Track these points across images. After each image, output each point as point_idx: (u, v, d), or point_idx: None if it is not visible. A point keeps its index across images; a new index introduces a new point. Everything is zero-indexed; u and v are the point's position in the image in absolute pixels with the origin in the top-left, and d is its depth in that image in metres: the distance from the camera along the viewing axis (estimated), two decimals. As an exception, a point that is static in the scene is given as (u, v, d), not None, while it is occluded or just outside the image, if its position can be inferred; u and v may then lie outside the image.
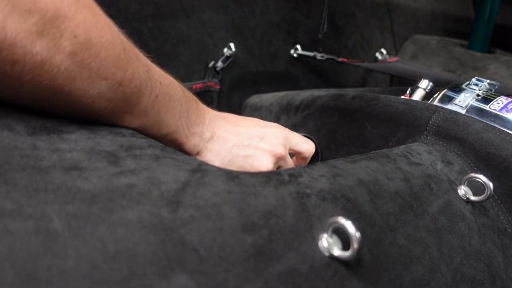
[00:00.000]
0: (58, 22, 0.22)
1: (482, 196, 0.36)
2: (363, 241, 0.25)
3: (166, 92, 0.32)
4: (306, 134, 0.54)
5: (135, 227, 0.19)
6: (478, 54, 1.06)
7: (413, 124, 0.46)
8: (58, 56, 0.22)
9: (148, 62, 0.30)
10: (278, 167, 0.41)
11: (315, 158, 0.55)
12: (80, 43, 0.23)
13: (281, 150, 0.39)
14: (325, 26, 0.72)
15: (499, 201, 0.40)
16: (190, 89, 0.73)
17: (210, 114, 0.39)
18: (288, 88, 0.89)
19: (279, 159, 0.40)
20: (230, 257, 0.20)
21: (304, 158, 0.45)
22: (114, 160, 0.23)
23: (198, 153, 0.37)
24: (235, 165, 0.38)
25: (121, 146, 0.25)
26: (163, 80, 0.31)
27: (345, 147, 0.55)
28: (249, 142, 0.39)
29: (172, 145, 0.35)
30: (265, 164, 0.38)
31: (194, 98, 0.37)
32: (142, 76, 0.28)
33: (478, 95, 0.50)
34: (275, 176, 0.28)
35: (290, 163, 0.42)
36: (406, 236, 0.30)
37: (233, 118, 0.41)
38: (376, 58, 1.11)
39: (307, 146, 0.44)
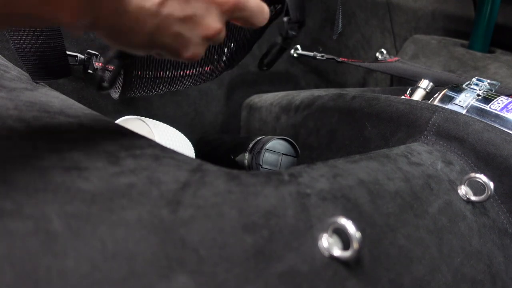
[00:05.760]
0: None
1: (483, 196, 0.36)
2: (363, 241, 0.25)
3: None
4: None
5: (135, 227, 0.19)
6: (479, 54, 1.06)
7: (413, 124, 0.46)
8: None
9: None
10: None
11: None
12: None
13: None
14: (340, 26, 0.72)
15: (499, 201, 0.40)
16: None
17: None
18: (288, 88, 0.89)
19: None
20: (230, 257, 0.20)
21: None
22: (114, 160, 0.23)
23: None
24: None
25: (121, 146, 0.25)
26: None
27: (345, 147, 0.55)
28: None
29: None
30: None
31: None
32: None
33: (478, 95, 0.50)
34: (275, 176, 0.27)
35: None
36: (406, 236, 0.30)
37: None
38: (377, 58, 1.11)
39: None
